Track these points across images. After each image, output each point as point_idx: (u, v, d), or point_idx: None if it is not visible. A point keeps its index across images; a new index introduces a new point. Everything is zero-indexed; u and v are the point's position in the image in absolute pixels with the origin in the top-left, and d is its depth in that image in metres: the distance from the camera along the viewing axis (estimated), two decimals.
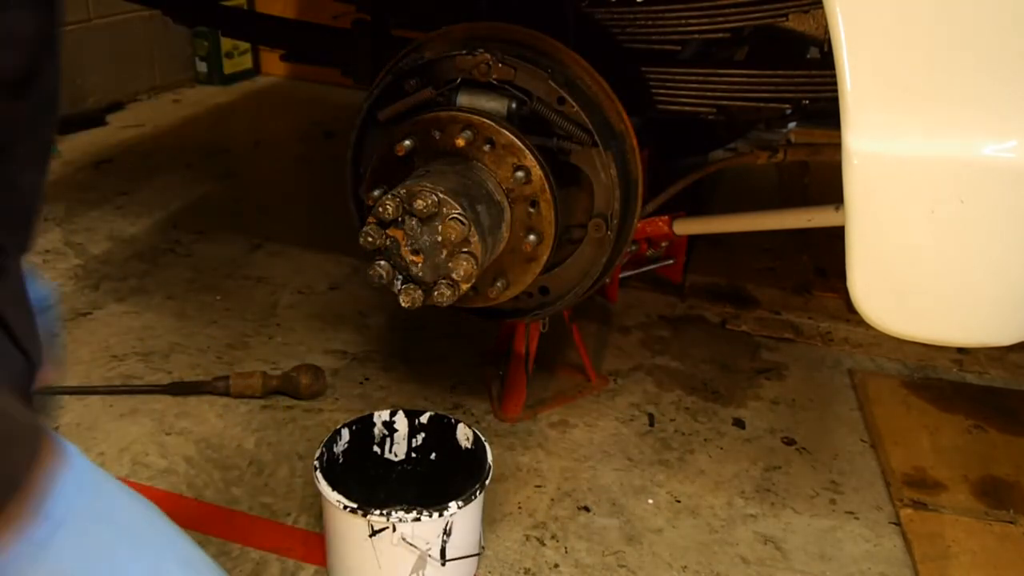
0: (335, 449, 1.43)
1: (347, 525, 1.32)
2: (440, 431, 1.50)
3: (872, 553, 1.55)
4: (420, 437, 1.52)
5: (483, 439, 1.43)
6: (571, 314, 1.92)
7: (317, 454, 1.37)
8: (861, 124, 1.14)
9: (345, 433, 1.45)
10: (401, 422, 1.51)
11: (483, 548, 1.46)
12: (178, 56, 3.92)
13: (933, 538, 1.55)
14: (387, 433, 1.51)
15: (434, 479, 1.52)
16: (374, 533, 1.28)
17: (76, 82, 3.42)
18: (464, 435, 1.47)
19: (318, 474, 1.32)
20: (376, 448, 1.51)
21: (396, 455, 1.53)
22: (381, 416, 1.50)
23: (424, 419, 1.51)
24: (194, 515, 1.53)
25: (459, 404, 1.88)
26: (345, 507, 1.27)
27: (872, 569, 1.51)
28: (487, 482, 1.36)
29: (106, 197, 2.80)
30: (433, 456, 1.53)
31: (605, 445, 1.79)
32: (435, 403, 1.88)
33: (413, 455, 1.53)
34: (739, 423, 1.88)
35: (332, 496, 1.28)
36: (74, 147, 3.21)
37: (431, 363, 2.02)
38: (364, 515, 1.27)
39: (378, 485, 1.51)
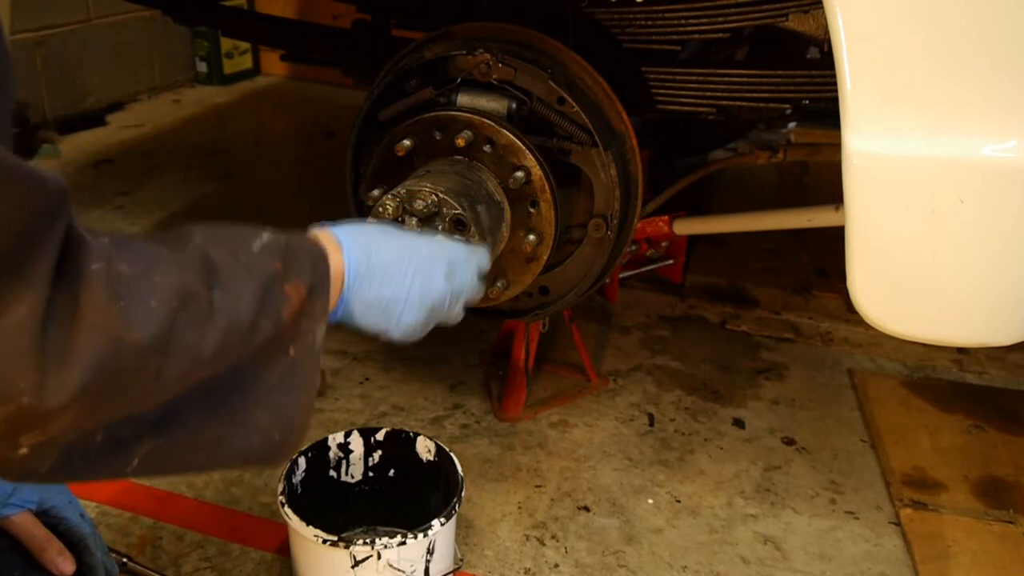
0: (294, 480, 1.38)
1: (327, 559, 1.26)
2: (398, 446, 1.47)
3: (872, 553, 1.55)
4: (377, 455, 1.48)
5: (447, 449, 1.40)
6: (571, 314, 1.92)
7: (280, 488, 1.31)
8: (861, 124, 1.14)
9: (302, 462, 1.40)
10: (356, 442, 1.47)
11: (460, 560, 1.41)
12: (178, 56, 3.92)
13: (933, 538, 1.55)
14: (342, 456, 1.47)
15: (394, 496, 1.49)
16: (356, 563, 1.24)
17: (76, 82, 3.42)
18: (425, 447, 1.44)
19: (287, 510, 1.26)
20: (332, 472, 1.47)
21: (352, 476, 1.48)
22: (336, 439, 1.46)
23: (380, 436, 1.47)
24: (194, 515, 1.53)
25: (459, 404, 1.88)
26: (325, 541, 1.22)
27: (872, 569, 1.51)
28: (463, 494, 1.33)
29: (106, 197, 2.80)
30: (392, 472, 1.49)
31: (605, 445, 1.79)
32: (435, 403, 1.88)
33: (371, 474, 1.49)
34: (739, 423, 1.88)
35: (308, 532, 1.23)
36: (74, 147, 3.22)
37: (431, 363, 2.02)
38: (346, 547, 1.22)
39: (336, 509, 1.47)
